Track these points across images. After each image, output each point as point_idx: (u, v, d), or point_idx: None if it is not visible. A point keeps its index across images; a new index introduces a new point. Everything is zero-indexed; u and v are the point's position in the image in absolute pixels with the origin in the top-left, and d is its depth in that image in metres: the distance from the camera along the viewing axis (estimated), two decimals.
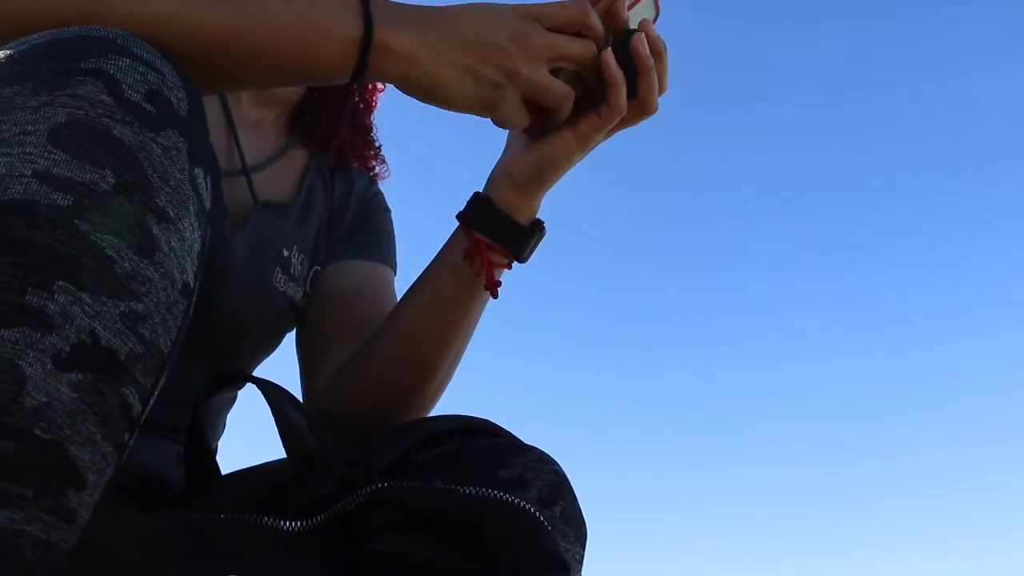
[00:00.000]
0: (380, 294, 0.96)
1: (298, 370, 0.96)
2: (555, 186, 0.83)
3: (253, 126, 0.94)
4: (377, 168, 1.06)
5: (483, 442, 0.77)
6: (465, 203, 0.84)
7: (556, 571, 0.59)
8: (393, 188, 1.07)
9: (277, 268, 0.89)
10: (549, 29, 0.71)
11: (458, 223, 0.85)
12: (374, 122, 1.05)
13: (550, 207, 0.85)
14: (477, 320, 0.87)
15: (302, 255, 0.92)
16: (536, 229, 0.84)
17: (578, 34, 0.74)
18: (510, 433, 0.81)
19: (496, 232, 0.82)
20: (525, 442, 0.79)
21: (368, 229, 1.00)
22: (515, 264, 0.84)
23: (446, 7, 0.71)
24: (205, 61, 0.60)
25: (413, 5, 0.70)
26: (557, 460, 0.77)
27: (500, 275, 0.83)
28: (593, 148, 0.80)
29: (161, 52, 0.56)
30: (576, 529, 0.76)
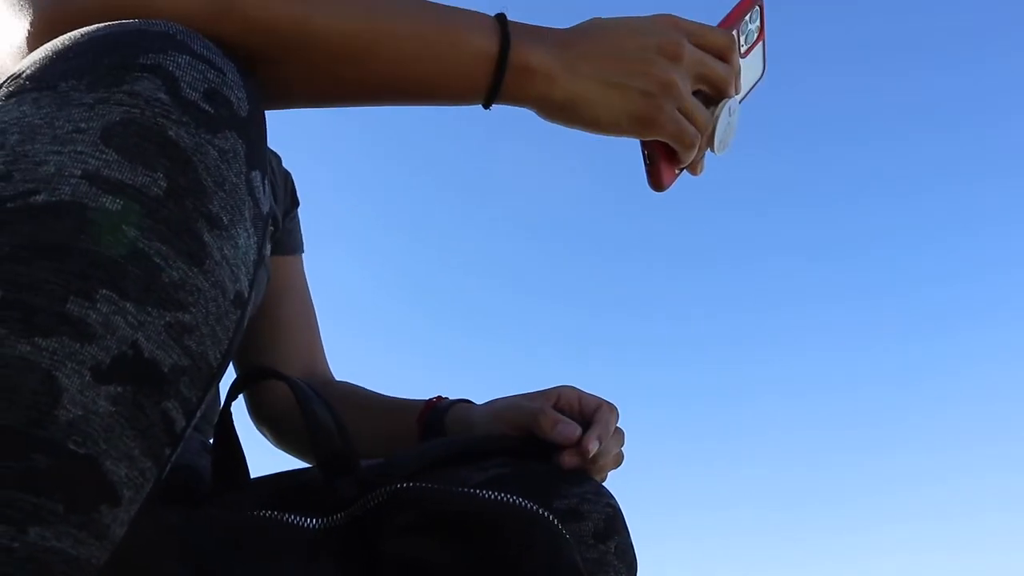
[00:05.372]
0: (300, 286, 1.02)
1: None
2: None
3: None
4: None
5: (537, 468, 0.76)
6: None
7: None
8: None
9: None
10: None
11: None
12: None
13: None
14: None
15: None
16: None
17: None
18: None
19: None
20: (579, 472, 0.77)
21: (291, 221, 1.04)
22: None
23: (583, 24, 0.66)
24: (328, 69, 0.58)
25: (550, 28, 0.65)
26: (612, 492, 0.77)
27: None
28: None
29: (284, 57, 0.56)
30: (628, 566, 0.75)
